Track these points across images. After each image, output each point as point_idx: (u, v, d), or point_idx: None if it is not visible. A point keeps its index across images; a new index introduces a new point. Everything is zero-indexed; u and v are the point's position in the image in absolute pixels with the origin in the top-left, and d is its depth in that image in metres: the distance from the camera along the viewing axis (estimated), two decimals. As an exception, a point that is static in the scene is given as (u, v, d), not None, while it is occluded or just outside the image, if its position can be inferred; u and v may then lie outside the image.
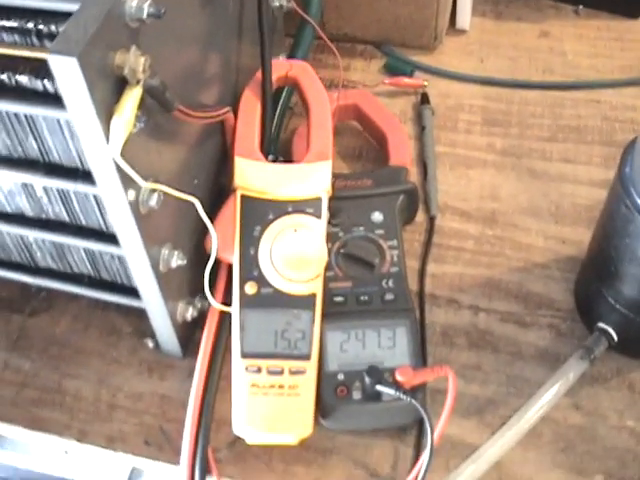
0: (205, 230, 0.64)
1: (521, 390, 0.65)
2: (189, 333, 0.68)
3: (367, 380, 0.61)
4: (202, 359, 0.65)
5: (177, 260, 0.61)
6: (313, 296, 0.63)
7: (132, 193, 0.53)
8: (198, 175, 0.65)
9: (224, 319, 0.66)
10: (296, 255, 0.63)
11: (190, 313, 0.66)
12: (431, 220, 0.76)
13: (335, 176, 0.71)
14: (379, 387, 0.61)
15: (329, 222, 0.69)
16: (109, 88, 0.48)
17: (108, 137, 0.48)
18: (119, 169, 0.50)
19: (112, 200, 0.54)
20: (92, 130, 0.48)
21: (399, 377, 0.61)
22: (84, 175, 0.54)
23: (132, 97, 0.49)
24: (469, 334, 0.70)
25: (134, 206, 0.54)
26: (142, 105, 0.50)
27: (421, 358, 0.65)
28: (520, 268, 0.74)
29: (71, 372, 0.70)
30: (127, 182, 0.52)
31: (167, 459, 0.65)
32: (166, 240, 0.61)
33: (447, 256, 0.75)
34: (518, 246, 0.75)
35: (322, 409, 0.63)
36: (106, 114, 0.48)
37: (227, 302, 0.65)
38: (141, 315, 0.65)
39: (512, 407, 0.64)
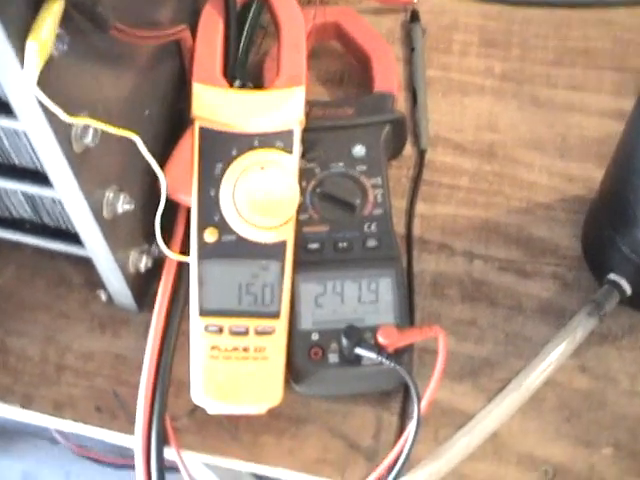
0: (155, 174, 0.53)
1: (521, 350, 0.57)
2: (145, 285, 0.59)
3: (345, 342, 0.52)
4: (158, 315, 0.56)
5: (124, 204, 0.51)
6: (283, 244, 0.54)
7: (61, 128, 0.44)
8: (150, 105, 0.55)
9: (183, 269, 0.56)
10: (263, 197, 0.53)
11: (144, 263, 0.56)
12: (421, 154, 0.66)
13: (311, 104, 0.62)
14: (358, 350, 0.52)
15: (303, 157, 0.59)
16: (24, 2, 0.39)
17: (23, 62, 0.39)
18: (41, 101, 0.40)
19: (38, 137, 0.45)
20: (3, 54, 0.39)
21: (381, 339, 0.51)
22: (7, 108, 0.44)
23: (51, 13, 0.40)
24: (463, 285, 0.61)
25: (65, 143, 0.45)
26: (66, 23, 0.41)
27: (408, 314, 0.56)
28: (521, 209, 0.64)
29: (14, 329, 0.61)
30: (52, 116, 0.42)
31: (121, 428, 0.57)
32: (110, 182, 0.51)
33: (439, 195, 0.65)
34: (519, 184, 0.65)
35: (294, 373, 0.54)
36: (19, 34, 0.39)
37: (186, 251, 0.56)
38: (93, 264, 0.56)
39: (511, 369, 0.56)
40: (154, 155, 0.51)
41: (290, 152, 0.55)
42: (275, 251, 0.54)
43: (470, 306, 0.60)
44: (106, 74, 0.49)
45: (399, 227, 0.62)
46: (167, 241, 0.56)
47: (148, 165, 0.53)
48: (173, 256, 0.54)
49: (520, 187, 0.65)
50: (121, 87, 0.51)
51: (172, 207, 0.57)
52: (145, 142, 0.49)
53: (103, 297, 0.60)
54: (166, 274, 0.57)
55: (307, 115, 0.59)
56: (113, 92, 0.50)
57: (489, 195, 0.65)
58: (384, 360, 0.51)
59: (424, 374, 0.53)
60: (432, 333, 0.52)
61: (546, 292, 0.60)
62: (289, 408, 0.56)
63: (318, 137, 0.62)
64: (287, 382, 0.54)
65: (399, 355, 0.53)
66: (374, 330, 0.53)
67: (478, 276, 0.61)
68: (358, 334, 0.52)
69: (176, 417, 0.56)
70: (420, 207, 0.65)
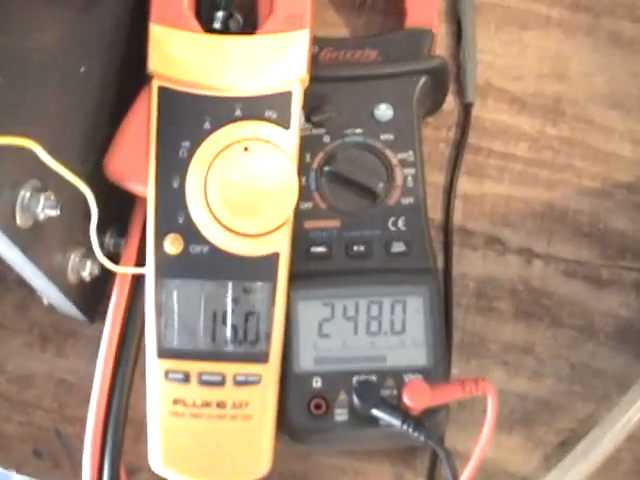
0: (104, 146, 0.37)
1: (591, 389, 0.44)
2: (94, 293, 0.44)
3: (357, 402, 0.36)
4: (110, 334, 0.40)
5: (45, 209, 0.35)
6: (274, 258, 0.38)
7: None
8: (88, 58, 0.38)
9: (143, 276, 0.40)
10: (247, 191, 0.37)
11: (89, 270, 0.41)
12: (466, 109, 0.50)
13: (319, 43, 0.45)
14: (376, 412, 0.36)
15: (307, 120, 0.43)
16: None
17: None
18: None
19: None
20: None
21: (408, 400, 0.36)
22: None
23: None
24: (516, 295, 0.46)
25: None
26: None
27: (445, 351, 0.40)
28: (595, 191, 0.48)
29: None
30: None
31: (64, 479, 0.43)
32: (23, 179, 0.34)
33: (487, 167, 0.49)
34: (593, 155, 0.49)
35: (288, 429, 0.39)
36: None
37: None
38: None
39: (577, 416, 0.43)
40: (98, 128, 0.35)
41: (287, 126, 0.39)
42: (263, 268, 0.38)
43: (526, 326, 0.45)
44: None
45: (434, 212, 0.46)
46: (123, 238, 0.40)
47: (88, 145, 0.37)
48: (118, 269, 0.39)
49: (595, 160, 0.49)
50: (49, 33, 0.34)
51: (129, 199, 0.41)
52: (83, 110, 0.33)
53: (45, 300, 0.45)
54: (119, 285, 0.41)
55: (313, 60, 0.42)
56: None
57: (554, 170, 0.49)
58: (410, 429, 0.36)
59: (461, 423, 0.40)
60: (478, 390, 0.37)
61: (626, 309, 0.45)
62: (283, 462, 0.41)
63: (328, 92, 0.45)
64: (277, 436, 0.39)
65: (430, 417, 0.37)
66: (398, 379, 0.38)
67: (537, 284, 0.46)
68: (374, 390, 0.37)
69: (135, 469, 0.42)
70: (463, 184, 0.48)
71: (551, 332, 0.45)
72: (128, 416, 0.41)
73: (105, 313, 0.42)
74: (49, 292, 0.42)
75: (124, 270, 0.39)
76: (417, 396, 0.37)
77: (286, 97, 0.39)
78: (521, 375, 0.44)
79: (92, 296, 0.44)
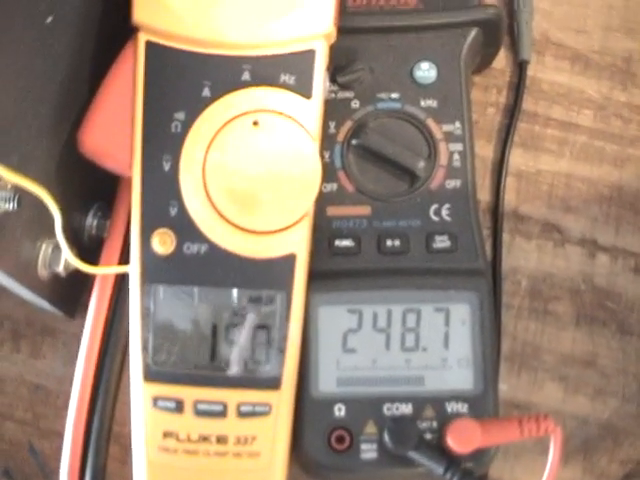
0: (81, 114, 0.29)
1: None
2: (72, 288, 0.36)
3: (389, 442, 0.28)
4: (91, 334, 0.33)
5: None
6: (290, 260, 0.30)
7: None
8: (56, 5, 0.29)
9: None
10: (256, 177, 0.28)
11: (63, 264, 0.32)
12: (520, 68, 0.41)
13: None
14: (413, 455, 0.28)
15: (333, 81, 0.34)
16: None
17: None
18: None
19: None
20: None
21: (453, 444, 0.27)
22: None
23: None
24: (578, 295, 0.38)
25: None
26: None
27: (497, 372, 0.31)
28: (675, 169, 0.39)
29: None
30: None
31: None
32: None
33: (545, 138, 0.40)
34: (672, 126, 0.40)
35: (304, 465, 0.31)
36: None
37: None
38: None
39: None
40: (72, 92, 0.28)
41: (307, 94, 0.30)
42: (276, 272, 0.30)
43: (588, 333, 0.37)
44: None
45: (480, 192, 0.38)
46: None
47: (60, 114, 0.28)
48: (95, 271, 0.31)
49: (674, 131, 0.40)
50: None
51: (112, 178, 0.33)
52: (51, 72, 0.26)
53: (18, 291, 0.37)
54: (101, 279, 0.32)
55: (341, 7, 0.32)
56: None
57: (624, 143, 0.41)
58: (454, 478, 0.28)
59: (509, 448, 0.34)
60: (540, 432, 0.28)
61: None
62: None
63: (358, 46, 0.36)
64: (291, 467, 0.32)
65: (476, 457, 0.29)
66: (439, 408, 0.30)
67: (602, 282, 0.38)
68: (412, 430, 0.29)
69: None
70: (515, 159, 0.40)
71: (618, 342, 0.37)
72: (114, 431, 0.34)
73: (85, 308, 0.34)
74: (16, 289, 0.33)
75: (103, 271, 0.31)
76: (465, 439, 0.29)
77: (307, 57, 0.30)
78: (581, 393, 0.36)
79: (71, 290, 0.37)
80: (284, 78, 0.30)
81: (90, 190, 0.36)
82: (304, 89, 0.30)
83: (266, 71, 0.30)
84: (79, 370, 0.33)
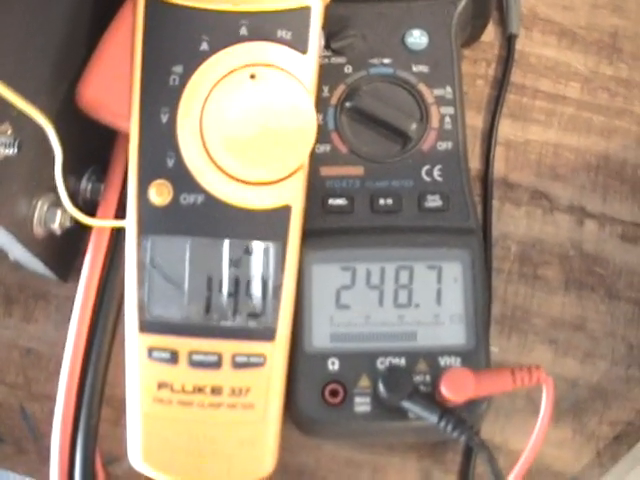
0: (80, 71, 0.29)
1: None
2: (68, 247, 0.35)
3: (384, 391, 0.28)
4: (85, 295, 0.33)
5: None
6: (285, 211, 0.30)
7: None
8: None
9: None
10: (252, 128, 0.28)
11: (59, 221, 0.32)
12: (508, 42, 0.41)
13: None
14: (407, 404, 0.28)
15: (326, 47, 0.35)
16: None
17: None
18: None
19: None
20: None
21: (447, 392, 0.28)
22: None
23: None
24: (567, 261, 0.38)
25: None
26: None
27: (487, 327, 0.32)
28: (660, 140, 0.40)
29: None
30: None
31: (30, 468, 0.36)
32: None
33: (533, 110, 0.41)
34: (657, 98, 0.40)
35: (297, 420, 0.31)
36: None
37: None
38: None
39: (636, 406, 0.36)
40: (71, 49, 0.28)
41: (303, 49, 0.31)
42: (271, 223, 0.30)
43: (577, 298, 0.37)
44: None
45: (471, 160, 0.38)
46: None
47: (59, 70, 0.29)
48: (93, 222, 0.30)
49: (659, 104, 0.40)
50: None
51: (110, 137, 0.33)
52: (50, 26, 0.26)
53: (11, 255, 0.36)
54: (96, 238, 0.33)
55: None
56: None
57: (610, 115, 0.41)
58: (448, 427, 0.28)
59: (500, 409, 0.34)
60: (532, 381, 0.29)
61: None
62: (290, 455, 0.34)
63: (350, 13, 0.37)
64: (284, 424, 0.32)
65: (469, 409, 0.29)
66: (432, 362, 0.30)
67: (591, 248, 0.38)
68: (406, 379, 0.29)
69: (114, 458, 0.34)
70: (505, 128, 0.40)
71: (606, 306, 0.37)
72: (106, 394, 0.33)
73: (79, 272, 0.34)
74: (11, 247, 0.33)
75: (99, 223, 0.31)
76: (458, 388, 0.29)
77: (303, 14, 0.31)
78: (571, 356, 0.37)
79: (65, 251, 0.36)
80: (281, 33, 0.30)
81: (85, 153, 0.36)
82: (300, 44, 0.31)
83: (263, 26, 0.30)
84: (72, 330, 0.33)
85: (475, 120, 0.40)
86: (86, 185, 0.36)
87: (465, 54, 0.41)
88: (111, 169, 0.33)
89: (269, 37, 0.30)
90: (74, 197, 0.35)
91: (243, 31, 0.30)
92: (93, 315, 0.33)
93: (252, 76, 0.30)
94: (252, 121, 0.30)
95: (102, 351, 0.33)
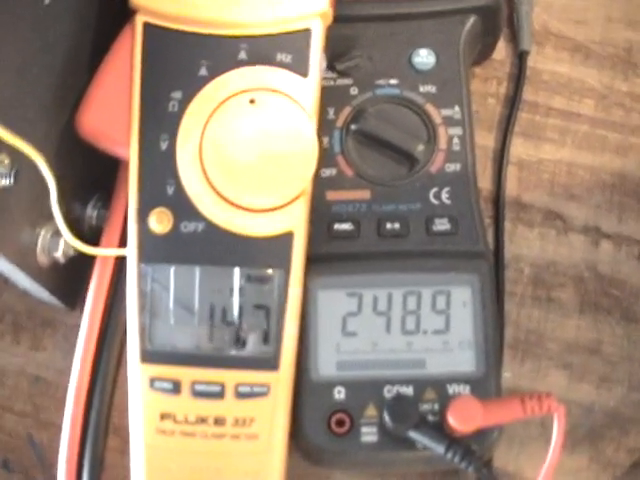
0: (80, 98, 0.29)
1: None
2: (73, 275, 0.35)
3: (389, 421, 0.28)
4: (89, 324, 0.33)
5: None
6: (288, 238, 0.29)
7: None
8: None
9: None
10: (253, 155, 0.28)
11: (62, 250, 0.32)
12: (520, 59, 0.41)
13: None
14: (413, 435, 0.27)
15: (331, 68, 0.35)
16: None
17: None
18: None
19: None
20: None
21: (454, 422, 0.27)
22: None
23: None
24: (582, 283, 0.37)
25: None
26: None
27: (499, 353, 0.31)
28: (678, 157, 0.38)
29: None
30: None
31: None
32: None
33: (546, 128, 0.40)
34: (675, 114, 0.39)
35: (304, 450, 0.30)
36: None
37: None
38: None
39: None
40: (71, 76, 0.27)
41: (304, 72, 0.30)
42: (273, 251, 0.30)
43: (592, 321, 0.36)
44: None
45: (482, 181, 0.37)
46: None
47: (59, 99, 0.28)
48: (93, 251, 0.30)
49: (676, 120, 0.39)
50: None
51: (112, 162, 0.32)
52: (50, 55, 0.25)
53: (19, 283, 0.36)
54: (100, 267, 0.32)
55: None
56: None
57: (626, 132, 0.40)
58: (457, 460, 0.27)
59: (513, 437, 0.33)
60: (542, 410, 0.28)
61: None
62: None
63: (356, 34, 0.36)
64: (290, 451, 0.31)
65: (479, 439, 0.29)
66: (440, 390, 0.29)
67: (606, 269, 0.37)
68: (412, 409, 0.28)
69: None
70: (517, 148, 0.39)
71: (622, 329, 0.36)
72: (114, 423, 0.33)
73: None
74: (16, 276, 0.33)
75: (99, 252, 0.31)
76: (466, 417, 0.28)
77: (303, 36, 0.30)
78: (586, 381, 0.35)
79: (71, 279, 0.36)
80: (280, 57, 0.30)
81: (90, 180, 0.35)
82: (300, 68, 0.30)
83: (262, 50, 0.30)
84: (77, 359, 0.33)
85: (486, 139, 0.40)
86: (92, 212, 0.35)
87: (476, 72, 0.41)
88: (115, 196, 0.33)
89: (269, 61, 0.30)
90: (80, 224, 0.35)
91: (242, 55, 0.30)
92: (98, 344, 0.33)
93: (252, 101, 0.30)
94: (252, 147, 0.29)
95: (107, 380, 0.33)
